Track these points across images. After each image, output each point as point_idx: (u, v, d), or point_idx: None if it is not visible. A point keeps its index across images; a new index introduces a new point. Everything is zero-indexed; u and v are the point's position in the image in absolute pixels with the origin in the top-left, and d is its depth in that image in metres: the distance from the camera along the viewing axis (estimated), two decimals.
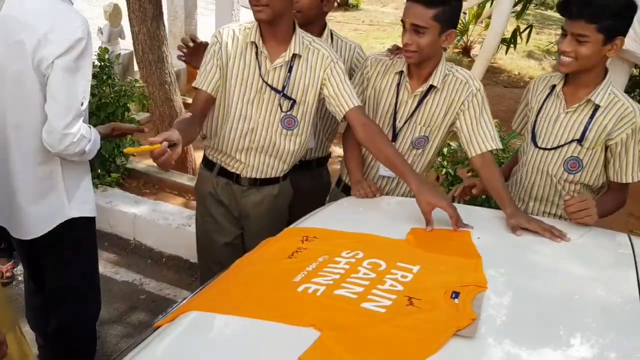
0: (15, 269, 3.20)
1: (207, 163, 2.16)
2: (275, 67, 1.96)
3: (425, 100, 2.03)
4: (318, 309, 1.25)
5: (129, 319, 2.98)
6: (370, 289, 1.32)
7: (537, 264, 1.57)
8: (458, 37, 9.52)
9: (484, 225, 1.76)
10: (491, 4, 7.19)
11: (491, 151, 1.98)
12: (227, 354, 1.13)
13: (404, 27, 1.90)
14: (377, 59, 2.11)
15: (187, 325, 1.25)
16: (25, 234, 1.99)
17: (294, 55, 1.96)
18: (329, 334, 1.15)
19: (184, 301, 1.49)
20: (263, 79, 1.96)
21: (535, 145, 2.03)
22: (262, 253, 1.64)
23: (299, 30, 1.97)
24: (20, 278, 3.16)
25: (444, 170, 3.02)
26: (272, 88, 1.97)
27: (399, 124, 2.06)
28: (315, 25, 2.21)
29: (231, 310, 1.29)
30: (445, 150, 3.00)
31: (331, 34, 2.28)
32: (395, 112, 2.06)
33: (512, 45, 8.31)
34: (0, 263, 3.16)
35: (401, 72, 2.04)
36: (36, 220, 1.97)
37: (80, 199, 2.03)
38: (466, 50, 9.62)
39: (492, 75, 8.48)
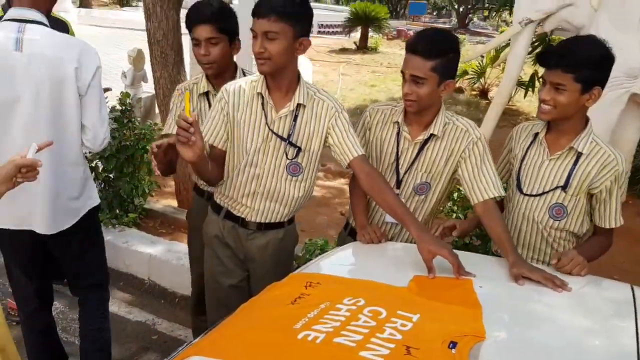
0: None
1: (215, 206, 2.22)
2: (281, 117, 2.03)
3: (425, 148, 2.08)
4: (316, 357, 1.27)
5: None
6: (369, 337, 1.33)
7: (537, 314, 1.57)
8: (475, 80, 9.62)
9: (486, 274, 1.77)
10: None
11: (494, 198, 2.01)
12: None
13: (403, 77, 1.98)
14: (374, 108, 2.19)
15: None
16: (58, 227, 2.30)
17: (299, 105, 2.03)
18: None
19: (189, 345, 1.53)
20: (269, 128, 2.03)
21: (521, 191, 2.09)
22: (266, 298, 1.66)
23: (303, 82, 2.05)
24: None
25: (455, 215, 3.03)
26: (278, 136, 2.03)
27: (401, 171, 2.12)
28: (229, 70, 2.39)
29: (232, 356, 1.31)
30: (455, 195, 3.02)
31: (243, 72, 2.44)
32: (397, 159, 2.12)
33: (530, 89, 8.38)
34: None
35: (397, 122, 2.11)
36: (73, 212, 2.34)
37: (95, 189, 2.46)
38: (484, 93, 9.71)
39: (510, 117, 8.52)
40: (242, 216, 2.15)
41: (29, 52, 2.10)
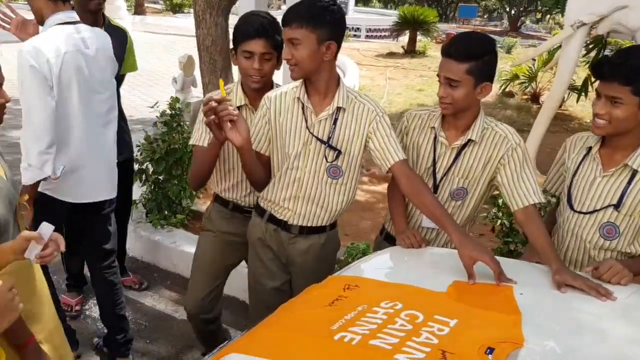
0: (84, 304, 3.40)
1: (259, 210, 2.26)
2: (321, 120, 2.06)
3: (463, 153, 2.07)
4: (352, 358, 1.29)
5: (184, 357, 3.08)
6: (405, 340, 1.34)
7: (579, 323, 1.54)
8: (526, 84, 9.42)
9: (528, 281, 1.74)
10: None
11: (534, 205, 1.97)
12: None
13: (439, 80, 1.98)
14: (412, 113, 2.19)
15: None
16: (113, 193, 2.75)
17: (339, 109, 2.05)
18: None
19: (228, 343, 1.57)
20: (309, 131, 2.06)
21: (572, 208, 1.99)
22: (305, 299, 1.69)
23: (343, 85, 2.07)
24: (88, 312, 3.35)
25: (499, 221, 2.99)
26: (317, 139, 2.06)
27: (438, 176, 2.11)
28: (268, 86, 2.30)
29: (269, 354, 1.34)
30: (500, 201, 2.97)
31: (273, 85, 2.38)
32: (434, 164, 2.11)
33: (583, 94, 8.14)
34: (71, 297, 3.35)
35: (434, 127, 2.10)
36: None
37: None
38: (535, 97, 9.48)
39: (563, 122, 8.30)
40: (285, 219, 2.18)
41: (94, 48, 2.50)
